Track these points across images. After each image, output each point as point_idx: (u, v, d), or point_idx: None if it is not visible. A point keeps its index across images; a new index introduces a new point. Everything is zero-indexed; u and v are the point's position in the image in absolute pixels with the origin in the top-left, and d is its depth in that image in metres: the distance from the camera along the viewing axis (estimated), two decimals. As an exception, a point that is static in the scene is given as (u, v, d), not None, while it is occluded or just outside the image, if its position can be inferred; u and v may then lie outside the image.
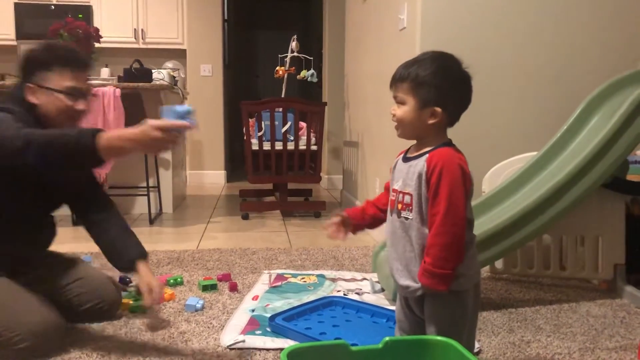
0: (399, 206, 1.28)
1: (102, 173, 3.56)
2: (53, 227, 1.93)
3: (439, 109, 1.24)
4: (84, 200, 1.95)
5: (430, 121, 1.25)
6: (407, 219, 1.26)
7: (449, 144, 1.28)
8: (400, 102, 1.28)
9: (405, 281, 1.28)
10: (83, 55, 1.81)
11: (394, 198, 1.31)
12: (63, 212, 1.98)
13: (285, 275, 2.43)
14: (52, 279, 1.84)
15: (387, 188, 1.42)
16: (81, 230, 2.00)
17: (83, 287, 1.86)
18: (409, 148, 1.33)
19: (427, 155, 1.24)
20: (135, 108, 3.61)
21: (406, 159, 1.31)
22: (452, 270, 1.20)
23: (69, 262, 1.95)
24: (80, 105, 1.74)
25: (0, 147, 1.49)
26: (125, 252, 1.86)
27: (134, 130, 1.41)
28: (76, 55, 1.77)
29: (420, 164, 1.24)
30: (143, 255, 1.87)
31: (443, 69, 1.26)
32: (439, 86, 1.24)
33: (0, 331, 1.54)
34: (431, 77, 1.24)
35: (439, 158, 1.21)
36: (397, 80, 1.29)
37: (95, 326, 1.83)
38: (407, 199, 1.26)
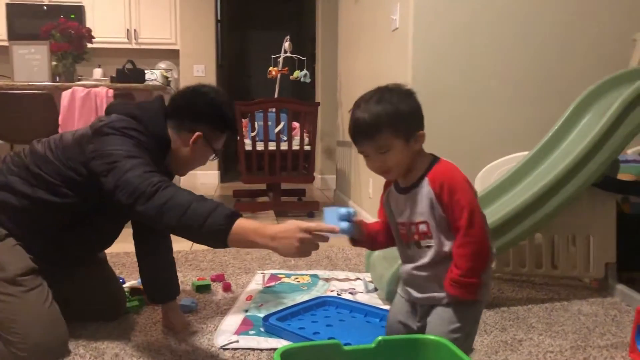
0: (416, 237, 1.25)
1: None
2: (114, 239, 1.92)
3: (422, 131, 1.24)
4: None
5: (417, 147, 1.24)
6: (429, 246, 1.24)
7: (436, 157, 1.26)
8: (385, 151, 1.21)
9: (429, 294, 1.26)
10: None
11: (404, 232, 1.28)
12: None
13: (279, 276, 2.43)
14: (78, 279, 1.85)
15: (380, 216, 1.38)
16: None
17: (100, 291, 1.89)
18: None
19: (426, 179, 1.22)
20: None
21: (402, 190, 1.28)
22: (479, 279, 1.20)
23: (95, 262, 1.97)
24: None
25: (127, 186, 1.43)
26: (160, 292, 1.87)
27: (275, 229, 1.30)
28: (235, 124, 1.85)
29: (425, 190, 1.22)
30: (173, 296, 1.87)
31: (399, 96, 1.23)
32: (414, 114, 1.23)
33: (12, 332, 1.54)
34: (402, 109, 1.21)
35: (440, 175, 1.21)
36: (371, 133, 1.21)
37: (89, 327, 1.83)
38: (422, 227, 1.24)
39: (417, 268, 1.27)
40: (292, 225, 1.28)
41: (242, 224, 1.33)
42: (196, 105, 1.74)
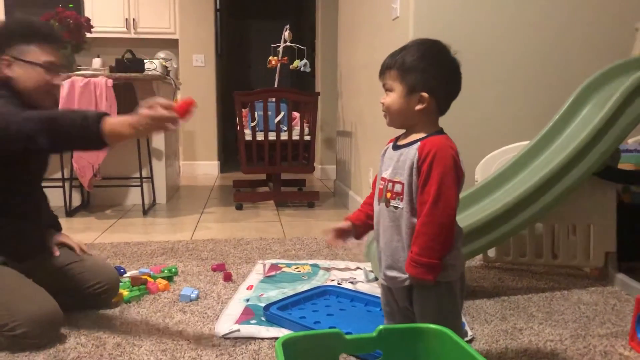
0: (388, 195, 1.27)
1: (94, 164, 3.54)
2: (44, 198, 1.96)
3: (426, 95, 1.23)
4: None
5: (418, 107, 1.24)
6: (396, 208, 1.25)
7: (441, 132, 1.27)
8: (389, 90, 1.27)
9: (391, 272, 1.27)
10: (58, 31, 1.88)
11: (382, 187, 1.29)
12: (56, 202, 1.98)
13: (280, 265, 2.44)
14: (53, 260, 1.86)
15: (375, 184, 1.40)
16: (75, 221, 2.00)
17: (84, 268, 1.88)
18: (400, 136, 1.32)
19: (418, 143, 1.23)
20: (127, 98, 3.60)
21: (396, 147, 1.29)
22: (439, 260, 1.20)
23: (69, 247, 1.96)
24: (57, 80, 1.79)
25: (12, 135, 1.53)
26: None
27: (131, 118, 1.47)
28: (54, 31, 1.85)
29: (411, 152, 1.23)
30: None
31: (430, 54, 1.25)
32: (426, 71, 1.23)
33: (0, 315, 1.56)
34: (418, 62, 1.23)
35: (431, 146, 1.20)
36: (385, 68, 1.28)
37: (90, 316, 1.83)
38: (397, 187, 1.25)
39: (381, 229, 1.29)
40: (140, 113, 1.45)
41: (109, 120, 1.50)
42: None
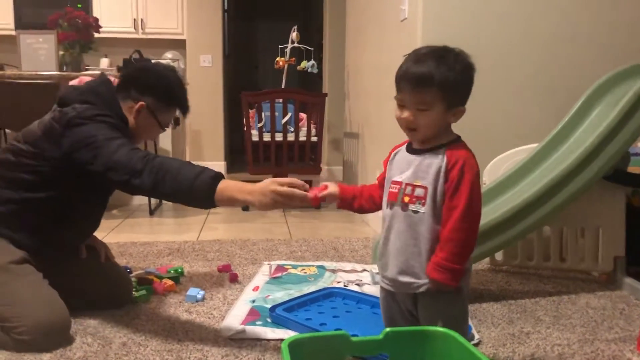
0: (406, 199, 1.24)
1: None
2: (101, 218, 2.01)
3: (463, 108, 1.24)
4: None
5: (453, 120, 1.24)
6: (416, 212, 1.22)
7: (460, 139, 1.27)
8: (424, 108, 1.20)
9: (404, 277, 1.25)
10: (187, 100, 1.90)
11: (395, 190, 1.26)
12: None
13: (286, 267, 2.43)
14: (77, 261, 1.88)
15: (381, 182, 1.38)
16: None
17: (103, 275, 1.91)
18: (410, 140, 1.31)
19: (444, 148, 1.22)
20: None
21: (415, 151, 1.27)
22: (463, 266, 1.20)
23: (93, 254, 1.96)
24: (158, 135, 1.98)
25: (118, 165, 1.54)
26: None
27: (253, 186, 1.45)
28: (187, 101, 1.90)
29: (438, 157, 1.21)
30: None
31: (467, 68, 1.22)
32: (465, 85, 1.22)
33: (10, 317, 1.55)
34: (459, 77, 1.20)
35: (460, 153, 1.21)
36: (418, 84, 1.18)
37: (97, 316, 1.83)
38: (418, 191, 1.22)
39: (394, 233, 1.26)
40: (268, 182, 1.43)
41: (225, 183, 1.48)
42: (144, 76, 1.84)
